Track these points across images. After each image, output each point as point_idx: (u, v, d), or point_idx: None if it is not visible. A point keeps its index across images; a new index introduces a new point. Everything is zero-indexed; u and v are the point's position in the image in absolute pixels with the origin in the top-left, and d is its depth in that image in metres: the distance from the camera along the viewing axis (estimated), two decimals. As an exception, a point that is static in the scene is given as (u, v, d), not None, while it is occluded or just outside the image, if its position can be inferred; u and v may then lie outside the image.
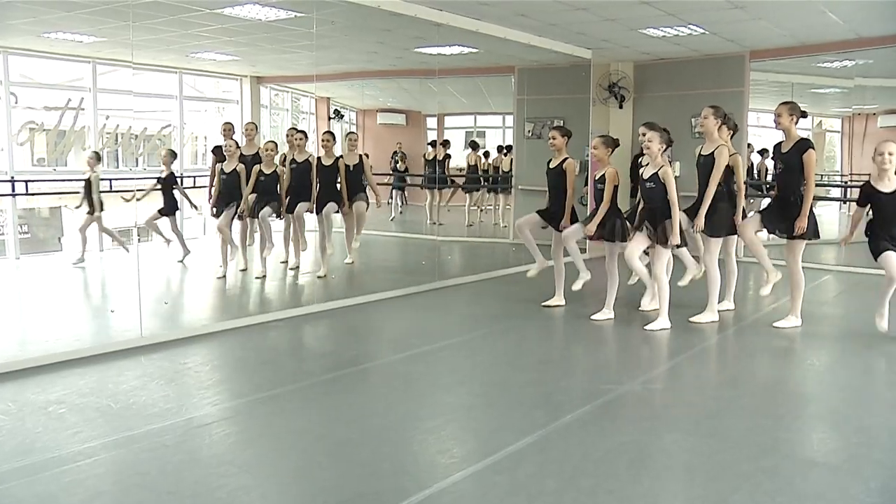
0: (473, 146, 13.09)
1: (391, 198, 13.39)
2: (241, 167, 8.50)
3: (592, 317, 7.27)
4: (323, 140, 8.98)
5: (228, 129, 8.83)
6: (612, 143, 7.31)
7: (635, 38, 10.19)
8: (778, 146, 6.73)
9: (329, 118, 11.75)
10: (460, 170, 13.08)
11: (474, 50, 10.59)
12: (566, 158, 7.44)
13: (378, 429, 4.44)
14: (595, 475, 3.79)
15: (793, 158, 6.52)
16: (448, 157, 12.77)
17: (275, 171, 8.55)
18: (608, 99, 12.13)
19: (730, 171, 6.93)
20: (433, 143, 12.80)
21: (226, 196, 8.53)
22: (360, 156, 9.03)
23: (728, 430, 4.49)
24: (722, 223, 6.98)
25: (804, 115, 6.67)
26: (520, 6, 8.50)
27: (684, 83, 11.59)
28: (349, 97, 12.39)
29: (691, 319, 7.05)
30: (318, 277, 8.89)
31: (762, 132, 13.09)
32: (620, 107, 12.02)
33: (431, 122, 13.37)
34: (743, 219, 7.12)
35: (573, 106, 11.64)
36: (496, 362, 5.95)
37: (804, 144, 6.50)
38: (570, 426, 4.48)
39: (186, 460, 3.95)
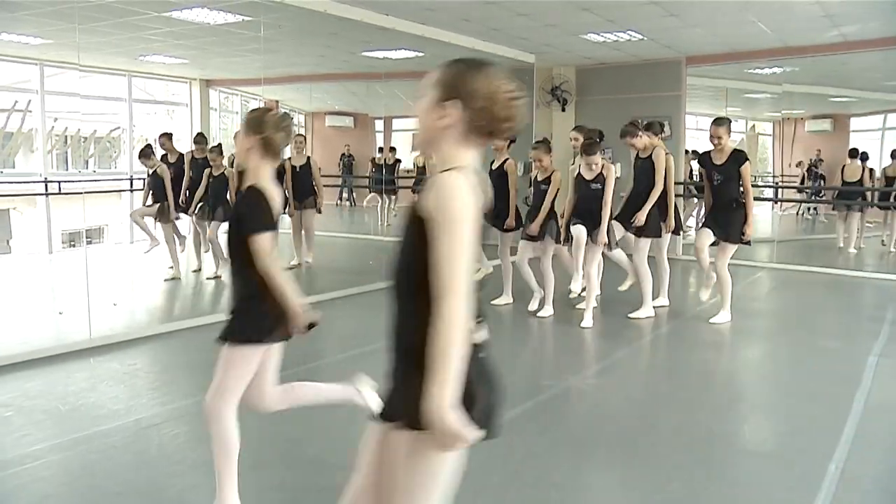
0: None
1: (340, 199, 13.36)
2: (161, 168, 8.43)
3: (538, 314, 7.34)
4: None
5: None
6: (549, 147, 7.32)
7: (576, 43, 10.29)
8: (708, 157, 6.84)
9: (278, 120, 11.62)
10: (408, 171, 13.06)
11: (420, 54, 10.58)
12: (507, 159, 7.46)
13: (326, 426, 4.42)
14: (538, 468, 3.83)
15: (731, 169, 6.66)
16: (398, 161, 12.74)
17: (223, 173, 8.45)
18: (551, 102, 12.22)
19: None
20: (381, 150, 12.76)
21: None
22: (309, 157, 8.98)
23: (665, 422, 4.56)
24: (652, 224, 7.09)
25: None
26: (463, 11, 8.53)
27: (624, 87, 11.71)
28: (297, 100, 12.31)
29: (630, 315, 7.14)
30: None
31: (700, 135, 13.33)
32: (563, 109, 12.12)
33: (379, 125, 13.33)
34: (677, 220, 7.27)
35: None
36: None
37: (741, 157, 6.70)
38: (513, 422, 4.48)
39: (135, 461, 3.89)
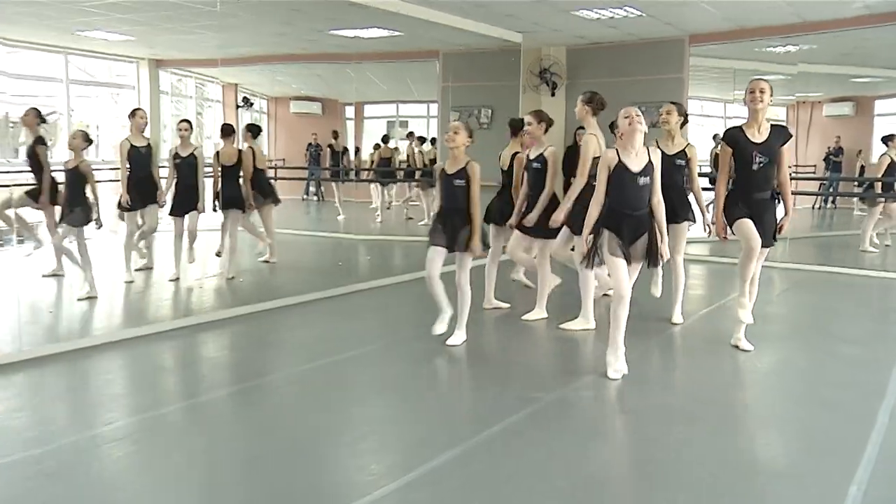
0: (384, 139, 13.03)
1: (307, 193, 13.28)
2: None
3: (523, 316, 7.32)
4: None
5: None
6: (547, 120, 7.04)
7: (568, 20, 10.27)
8: (741, 133, 6.01)
9: (237, 106, 11.55)
10: (386, 159, 13.01)
11: (395, 33, 10.53)
12: (469, 161, 6.60)
13: (290, 444, 4.36)
14: (523, 490, 3.77)
15: (774, 148, 5.91)
16: (346, 150, 12.65)
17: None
18: (539, 86, 12.22)
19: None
20: (336, 134, 12.66)
21: None
22: (195, 149, 8.77)
23: (666, 437, 4.52)
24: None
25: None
26: (443, -15, 8.48)
27: (620, 69, 11.71)
28: (259, 83, 12.19)
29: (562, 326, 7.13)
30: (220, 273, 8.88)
31: (704, 121, 13.36)
32: (553, 94, 12.12)
33: (350, 112, 13.26)
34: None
35: (502, 93, 11.69)
36: (416, 371, 5.89)
37: (785, 132, 6.04)
38: (496, 438, 4.45)
39: (71, 489, 3.78)
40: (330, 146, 12.47)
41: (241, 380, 5.65)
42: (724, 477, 3.96)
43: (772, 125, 5.84)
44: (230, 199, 8.92)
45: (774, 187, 5.91)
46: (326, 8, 8.61)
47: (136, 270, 8.71)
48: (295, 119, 12.75)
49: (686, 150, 6.94)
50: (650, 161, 5.27)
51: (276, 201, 9.42)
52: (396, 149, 13.12)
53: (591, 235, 5.42)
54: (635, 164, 5.21)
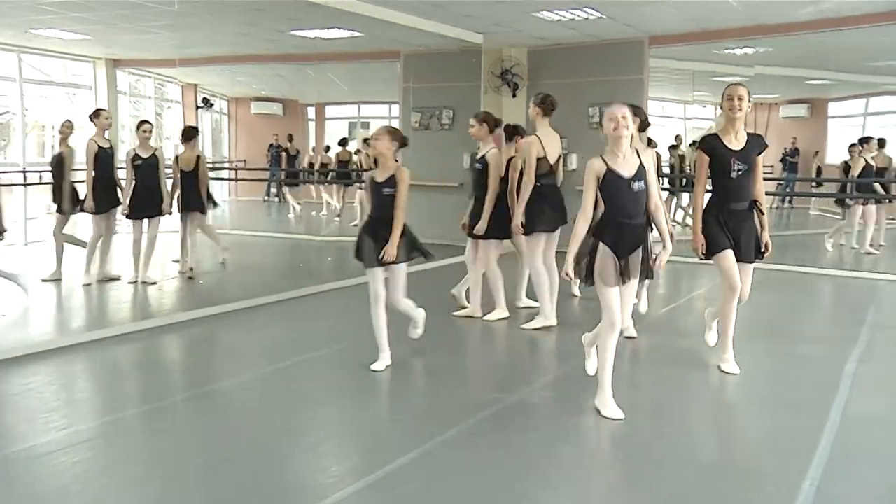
0: (342, 142, 13.01)
1: (268, 195, 13.21)
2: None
3: (484, 317, 7.34)
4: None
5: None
6: (490, 121, 7.13)
7: (528, 21, 10.28)
8: (718, 140, 5.74)
9: (197, 107, 11.45)
10: (324, 165, 12.97)
11: (356, 34, 10.50)
12: (398, 168, 6.74)
13: (249, 449, 4.33)
14: (484, 490, 3.77)
15: (752, 156, 5.68)
16: (298, 152, 12.61)
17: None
18: (501, 87, 12.20)
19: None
20: (290, 137, 12.62)
21: None
22: (156, 150, 8.71)
23: (626, 437, 4.55)
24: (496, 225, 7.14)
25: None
26: (404, -14, 8.46)
27: (581, 70, 11.74)
28: (219, 84, 12.12)
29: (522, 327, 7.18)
30: (181, 273, 8.93)
31: (665, 122, 13.46)
32: (514, 95, 12.11)
33: (312, 113, 13.21)
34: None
35: (464, 94, 11.67)
36: (377, 373, 5.86)
37: (761, 140, 5.80)
38: (457, 439, 4.44)
39: (24, 496, 3.72)
40: (285, 150, 12.43)
41: (200, 383, 5.59)
42: (685, 475, 3.98)
43: (748, 133, 5.56)
44: (190, 202, 8.88)
45: (752, 198, 5.53)
46: (287, 8, 8.55)
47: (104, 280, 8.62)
48: (256, 120, 12.68)
49: (641, 156, 6.66)
50: (641, 164, 4.79)
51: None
52: (358, 151, 13.11)
53: (583, 252, 4.78)
54: (626, 169, 4.72)
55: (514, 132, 7.63)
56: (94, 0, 8.22)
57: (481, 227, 7.08)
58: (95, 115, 8.35)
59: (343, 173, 13.08)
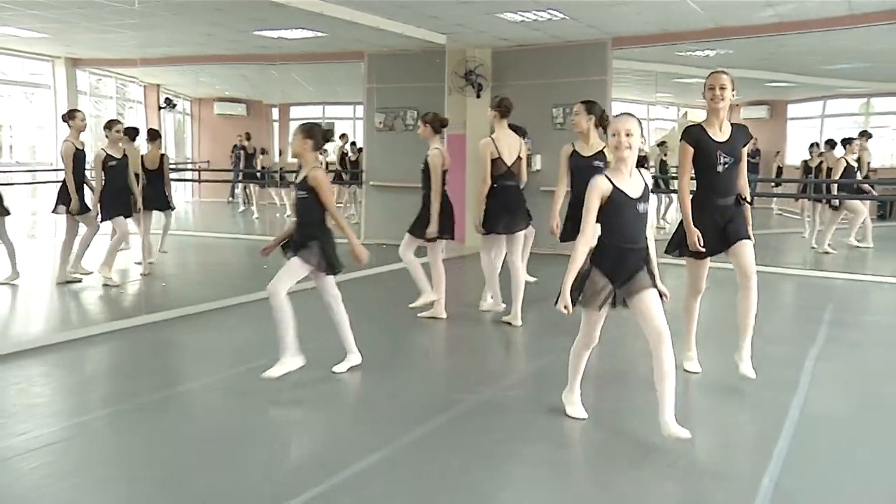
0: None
1: (232, 196, 13.11)
2: None
3: (419, 314, 7.44)
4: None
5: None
6: (433, 122, 7.17)
7: (492, 22, 10.27)
8: (702, 131, 5.31)
9: (159, 108, 11.33)
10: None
11: (319, 34, 10.44)
12: (311, 169, 5.97)
13: (213, 451, 4.28)
14: (449, 491, 3.77)
15: (739, 148, 5.38)
16: (255, 152, 12.53)
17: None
18: (465, 87, 12.19)
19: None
20: (248, 136, 12.54)
21: None
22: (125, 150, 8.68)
23: (589, 436, 4.56)
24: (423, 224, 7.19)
25: (604, 117, 6.47)
26: (368, -14, 8.43)
27: (545, 71, 11.76)
28: (182, 84, 12.00)
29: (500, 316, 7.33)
30: (143, 275, 8.80)
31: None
32: (478, 96, 12.10)
33: (276, 113, 13.12)
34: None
35: (428, 95, 11.64)
36: (340, 375, 5.82)
37: (746, 131, 5.46)
38: (422, 440, 4.43)
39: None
40: (243, 148, 12.34)
41: (166, 386, 5.50)
42: (648, 474, 3.98)
43: (732, 124, 5.25)
44: (155, 200, 9.01)
45: (738, 192, 5.30)
46: (250, 8, 8.48)
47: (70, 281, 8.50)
48: (219, 121, 12.57)
49: (605, 150, 6.34)
50: (646, 184, 4.33)
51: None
52: (325, 150, 13.03)
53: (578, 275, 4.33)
54: (632, 188, 4.24)
55: (514, 132, 7.71)
56: (53, -3, 8.10)
57: (432, 230, 7.07)
58: (70, 116, 8.29)
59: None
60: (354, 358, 5.76)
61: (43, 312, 8.09)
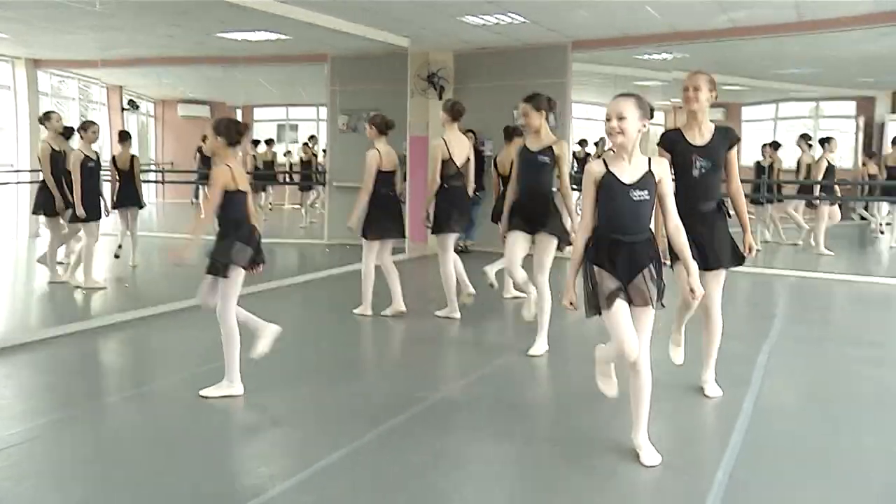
0: (268, 143, 12.92)
1: (196, 197, 13.00)
2: None
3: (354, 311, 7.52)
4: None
5: None
6: (378, 124, 7.34)
7: (454, 25, 10.31)
8: (680, 135, 5.05)
9: (122, 109, 11.22)
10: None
11: (283, 36, 10.41)
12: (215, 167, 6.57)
13: (178, 450, 4.28)
14: (411, 488, 3.78)
15: (719, 152, 5.05)
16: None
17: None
18: (427, 90, 12.21)
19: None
20: (204, 138, 12.44)
21: None
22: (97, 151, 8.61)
23: (546, 431, 4.63)
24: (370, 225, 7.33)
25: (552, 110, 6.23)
26: (329, -12, 8.43)
27: (506, 74, 11.81)
28: (145, 86, 11.88)
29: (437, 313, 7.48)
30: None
31: (589, 125, 13.63)
32: (440, 98, 12.11)
33: (241, 115, 13.04)
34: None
35: (390, 97, 11.63)
36: (305, 372, 5.83)
37: (731, 133, 5.14)
38: (384, 437, 4.45)
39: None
40: (199, 149, 12.24)
41: (128, 386, 5.51)
42: (603, 468, 4.03)
43: (716, 127, 4.91)
44: (129, 198, 9.20)
45: (721, 198, 4.97)
46: (213, 10, 8.43)
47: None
48: (183, 122, 12.46)
49: (553, 146, 6.06)
50: (650, 171, 3.91)
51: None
52: (289, 152, 13.04)
53: (583, 275, 4.04)
54: (628, 175, 3.88)
55: (513, 133, 8.31)
56: (13, -2, 7.99)
57: (352, 223, 7.29)
58: (46, 118, 8.35)
59: (268, 175, 12.98)
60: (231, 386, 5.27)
61: (4, 314, 8.00)
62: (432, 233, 7.33)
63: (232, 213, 5.12)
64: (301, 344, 6.50)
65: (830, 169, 11.37)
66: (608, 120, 3.84)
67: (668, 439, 4.54)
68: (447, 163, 7.15)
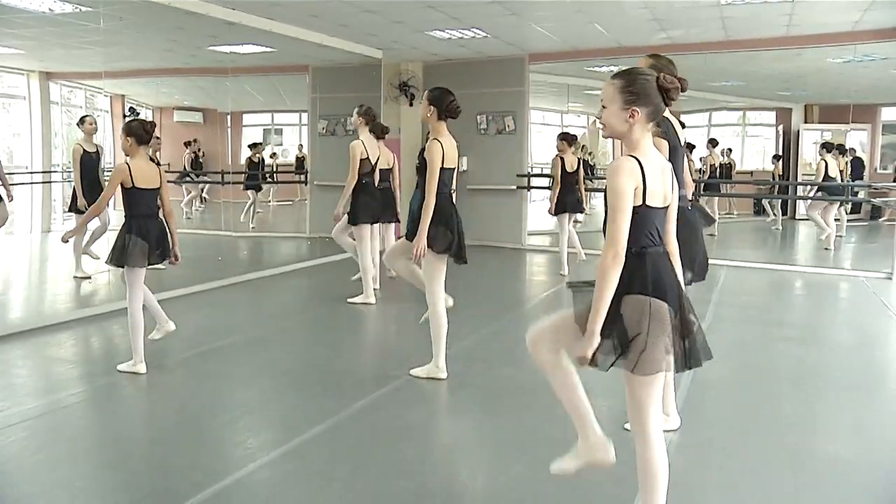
0: (253, 146, 12.90)
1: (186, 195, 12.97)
2: None
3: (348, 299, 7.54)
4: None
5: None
6: (371, 115, 7.72)
7: (423, 39, 10.38)
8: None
9: (124, 116, 11.18)
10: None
11: (269, 49, 10.42)
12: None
13: (172, 426, 4.33)
14: (386, 459, 3.85)
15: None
16: (204, 154, 12.44)
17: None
18: (399, 97, 12.28)
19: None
20: (188, 143, 12.41)
21: None
22: (97, 145, 8.51)
23: (516, 408, 4.67)
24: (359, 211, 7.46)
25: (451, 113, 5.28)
26: (312, 7, 8.47)
27: (471, 82, 11.86)
28: (144, 94, 11.82)
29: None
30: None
31: (545, 129, 13.76)
32: (411, 104, 12.20)
33: (230, 120, 13.00)
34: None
35: (365, 104, 11.66)
36: (290, 354, 5.89)
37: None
38: (361, 412, 4.52)
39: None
40: (194, 153, 12.24)
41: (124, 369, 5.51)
42: (543, 448, 4.05)
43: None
44: None
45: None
46: (206, 26, 8.43)
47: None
48: (178, 127, 12.44)
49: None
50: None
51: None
52: (274, 154, 13.03)
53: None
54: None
55: (563, 138, 8.99)
56: (28, 17, 7.96)
57: (337, 212, 7.52)
58: (81, 121, 8.29)
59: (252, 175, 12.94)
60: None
61: (21, 301, 7.97)
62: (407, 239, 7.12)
63: (130, 208, 5.09)
64: (288, 329, 6.56)
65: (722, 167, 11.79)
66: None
67: (615, 409, 4.64)
68: (364, 161, 7.41)
